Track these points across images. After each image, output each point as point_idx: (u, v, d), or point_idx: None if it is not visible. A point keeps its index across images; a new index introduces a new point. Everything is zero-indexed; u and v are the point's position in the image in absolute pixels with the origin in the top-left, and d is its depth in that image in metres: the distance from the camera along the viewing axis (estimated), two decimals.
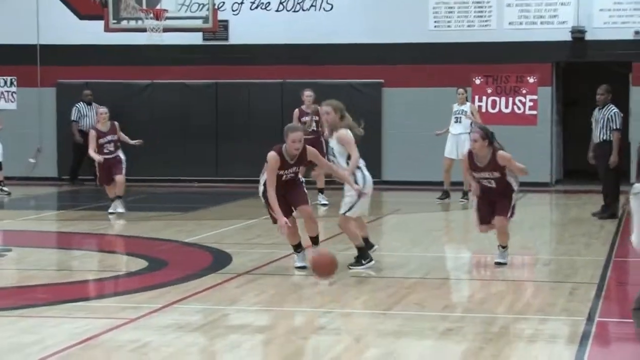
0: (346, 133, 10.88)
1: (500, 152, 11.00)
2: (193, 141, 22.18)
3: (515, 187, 11.16)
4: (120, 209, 16.19)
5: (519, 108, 21.44)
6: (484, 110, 21.23)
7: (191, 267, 11.24)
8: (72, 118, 22.10)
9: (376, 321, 8.62)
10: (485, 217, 11.23)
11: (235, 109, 22.15)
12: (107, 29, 20.72)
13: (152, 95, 22.58)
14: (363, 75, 21.77)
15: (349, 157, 10.90)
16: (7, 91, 23.38)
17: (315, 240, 10.94)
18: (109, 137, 16.37)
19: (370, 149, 21.97)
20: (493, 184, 11.09)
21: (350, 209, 10.96)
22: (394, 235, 15.04)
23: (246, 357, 7.56)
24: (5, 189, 20.05)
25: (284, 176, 10.43)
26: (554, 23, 21.23)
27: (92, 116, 22.19)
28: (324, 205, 17.72)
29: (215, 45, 22.37)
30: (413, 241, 13.70)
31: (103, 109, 16.85)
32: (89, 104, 22.37)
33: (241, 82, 22.16)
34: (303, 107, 18.07)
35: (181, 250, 12.66)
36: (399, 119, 21.68)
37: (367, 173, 11.09)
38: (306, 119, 17.91)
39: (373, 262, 11.04)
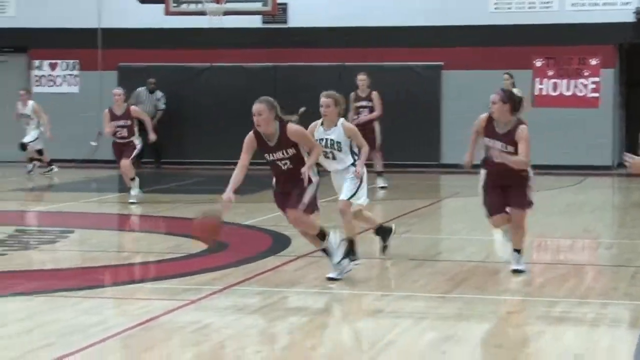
0: (352, 126, 10.28)
1: (523, 127, 9.59)
2: (252, 124, 22.18)
3: (530, 172, 9.69)
4: (132, 199, 15.61)
5: (580, 90, 21.21)
6: (544, 92, 21.06)
7: (251, 250, 11.28)
8: (130, 101, 22.27)
9: (435, 304, 8.59)
10: (497, 206, 9.75)
11: (293, 92, 22.14)
12: (168, 12, 20.84)
13: (211, 79, 22.68)
14: (423, 57, 21.67)
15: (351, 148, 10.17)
16: (70, 75, 23.63)
17: (321, 236, 9.43)
18: (122, 122, 15.73)
19: (429, 131, 22.01)
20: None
21: (354, 194, 10.17)
22: (453, 218, 14.98)
23: (305, 339, 7.57)
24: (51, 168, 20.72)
25: (278, 164, 9.22)
26: (617, 4, 20.95)
27: (150, 103, 22.44)
28: (383, 188, 17.68)
29: (274, 28, 22.39)
30: (472, 224, 13.61)
31: (117, 90, 16.25)
32: (151, 92, 22.59)
33: (300, 65, 22.16)
34: (358, 91, 18.01)
35: (241, 233, 12.71)
36: (459, 102, 21.55)
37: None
38: (362, 103, 17.85)
39: (357, 263, 10.11)
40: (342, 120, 10.14)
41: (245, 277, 9.59)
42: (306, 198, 9.12)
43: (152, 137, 16.47)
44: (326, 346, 7.35)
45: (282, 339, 7.68)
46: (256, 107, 9.19)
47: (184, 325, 7.80)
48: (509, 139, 9.55)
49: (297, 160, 9.14)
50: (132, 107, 16.22)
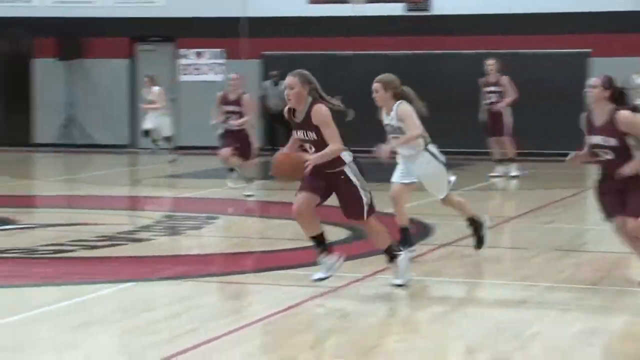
0: (406, 107, 9.82)
1: (623, 112, 8.12)
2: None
3: None
4: (250, 191, 15.19)
5: None
6: None
7: (393, 237, 11.21)
8: (259, 94, 22.53)
9: (581, 296, 8.42)
10: (614, 207, 8.31)
11: (436, 79, 22.02)
12: (312, 0, 20.96)
13: (353, 67, 22.70)
14: (568, 45, 21.26)
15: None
16: (215, 63, 24.01)
17: (389, 252, 8.87)
18: (233, 107, 15.08)
19: (573, 120, 21.56)
20: (610, 156, 8.19)
21: (446, 187, 9.98)
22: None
23: (447, 329, 7.52)
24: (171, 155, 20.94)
25: (305, 146, 8.62)
26: None
27: (275, 96, 22.65)
28: (515, 177, 17.36)
29: (418, 16, 22.28)
30: None
31: (235, 75, 15.68)
32: (275, 84, 22.79)
33: (442, 53, 22.01)
34: (488, 77, 17.83)
35: (383, 221, 12.57)
36: None
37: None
38: (491, 88, 17.65)
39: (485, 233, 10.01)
40: (397, 103, 9.86)
41: (387, 265, 9.56)
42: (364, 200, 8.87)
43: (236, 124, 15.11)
44: (469, 336, 7.27)
45: (424, 328, 7.63)
46: (288, 80, 8.61)
47: (326, 312, 7.83)
48: (609, 130, 8.12)
49: (322, 148, 8.50)
50: (245, 96, 15.45)
